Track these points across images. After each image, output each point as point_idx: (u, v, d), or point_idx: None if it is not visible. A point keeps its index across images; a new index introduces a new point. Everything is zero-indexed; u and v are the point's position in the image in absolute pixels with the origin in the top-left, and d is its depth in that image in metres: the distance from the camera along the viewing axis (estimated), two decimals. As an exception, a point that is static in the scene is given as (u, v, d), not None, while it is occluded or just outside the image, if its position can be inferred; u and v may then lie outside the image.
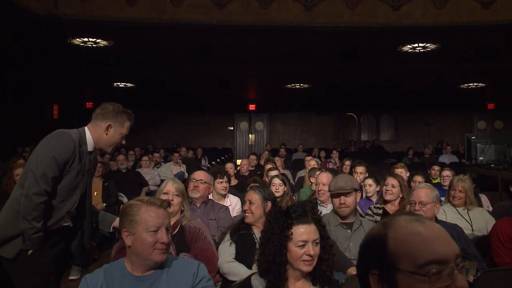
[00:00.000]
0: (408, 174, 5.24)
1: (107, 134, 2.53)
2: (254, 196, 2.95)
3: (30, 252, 2.32)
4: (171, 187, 2.89)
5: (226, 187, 4.20)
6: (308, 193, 4.81)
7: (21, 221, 2.28)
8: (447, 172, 5.22)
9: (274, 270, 1.84)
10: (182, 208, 2.86)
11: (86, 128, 2.54)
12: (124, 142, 2.60)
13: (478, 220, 3.67)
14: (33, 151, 2.46)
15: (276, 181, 4.21)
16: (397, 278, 0.94)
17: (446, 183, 4.96)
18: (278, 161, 7.87)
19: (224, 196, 4.22)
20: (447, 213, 3.72)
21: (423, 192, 3.00)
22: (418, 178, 4.64)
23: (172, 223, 2.70)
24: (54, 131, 2.47)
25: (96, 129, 2.53)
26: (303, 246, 1.84)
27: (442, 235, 0.97)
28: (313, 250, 1.85)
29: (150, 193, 6.80)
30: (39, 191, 2.28)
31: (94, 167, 2.70)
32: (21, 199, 2.31)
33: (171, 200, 2.79)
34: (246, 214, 2.91)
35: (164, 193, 2.88)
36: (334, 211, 3.01)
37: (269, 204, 2.94)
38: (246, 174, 6.85)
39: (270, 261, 1.85)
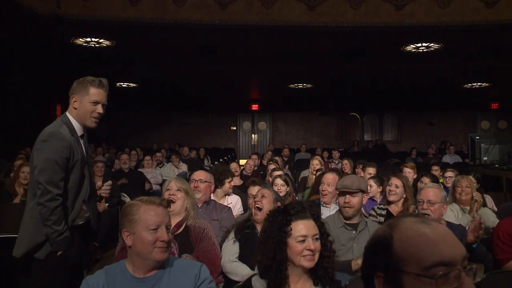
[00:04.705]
0: (415, 176, 5.20)
1: (76, 108, 2.52)
2: (267, 192, 2.98)
3: (59, 253, 2.39)
4: (173, 184, 2.91)
5: (233, 186, 4.34)
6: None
7: (44, 227, 2.34)
8: (449, 173, 5.18)
9: (274, 268, 1.83)
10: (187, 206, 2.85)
11: (67, 113, 2.55)
12: (101, 110, 2.53)
13: (483, 219, 3.65)
14: (32, 159, 2.46)
15: (279, 181, 4.20)
16: (403, 281, 0.93)
17: (449, 184, 4.93)
18: (278, 160, 7.83)
19: (226, 195, 4.26)
20: (452, 213, 3.70)
21: (432, 191, 2.97)
22: (426, 180, 4.62)
23: (176, 221, 2.71)
24: (42, 132, 2.46)
25: (70, 109, 2.54)
26: (303, 241, 1.84)
27: (448, 237, 0.96)
28: (314, 244, 1.84)
29: (153, 193, 6.79)
30: (51, 197, 2.32)
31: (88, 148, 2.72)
32: (36, 208, 2.36)
33: (173, 195, 2.80)
34: (256, 210, 2.89)
35: (167, 189, 2.90)
36: (339, 210, 2.99)
37: (279, 204, 2.93)
38: (250, 174, 6.82)
39: (271, 258, 1.84)
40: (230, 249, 2.76)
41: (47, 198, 2.31)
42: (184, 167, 8.99)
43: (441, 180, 5.57)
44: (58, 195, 2.35)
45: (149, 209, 1.82)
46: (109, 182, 2.80)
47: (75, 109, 2.52)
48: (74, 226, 2.47)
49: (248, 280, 1.95)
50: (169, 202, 1.99)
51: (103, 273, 1.82)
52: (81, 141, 2.55)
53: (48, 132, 2.44)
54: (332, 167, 8.90)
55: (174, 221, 2.73)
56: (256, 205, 2.91)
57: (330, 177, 3.84)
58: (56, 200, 2.33)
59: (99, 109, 2.52)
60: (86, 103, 2.49)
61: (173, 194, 2.81)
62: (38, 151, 2.41)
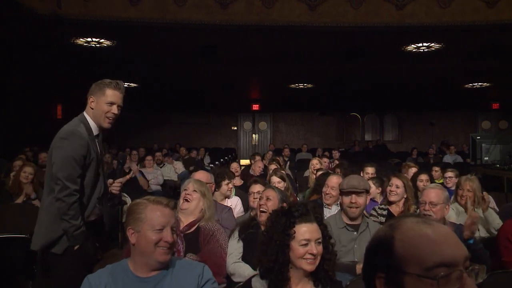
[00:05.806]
0: None
1: (93, 108, 2.62)
2: (272, 194, 2.94)
3: (76, 247, 2.51)
4: (191, 185, 2.95)
5: (231, 188, 4.32)
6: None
7: (61, 222, 2.47)
8: (449, 173, 5.18)
9: (276, 270, 1.83)
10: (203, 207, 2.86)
11: (84, 113, 2.66)
12: (116, 111, 2.63)
13: (486, 220, 3.65)
14: (49, 156, 2.58)
15: (275, 179, 4.20)
16: (404, 281, 0.92)
17: (450, 184, 4.93)
18: (279, 160, 7.81)
19: (227, 196, 4.26)
20: (453, 211, 3.70)
21: (434, 192, 2.94)
22: (424, 176, 4.61)
23: (189, 221, 2.75)
24: (61, 130, 2.58)
25: (88, 109, 2.65)
26: (305, 245, 1.83)
27: (450, 237, 0.95)
28: (316, 249, 1.84)
29: (152, 193, 6.76)
30: (69, 192, 2.45)
31: (105, 149, 2.82)
32: (54, 203, 2.49)
33: (189, 195, 2.86)
34: (261, 213, 2.87)
35: (185, 189, 2.95)
36: (343, 210, 2.97)
37: (285, 205, 2.91)
38: (258, 174, 6.77)
39: (273, 260, 1.84)
40: (234, 249, 2.76)
41: (65, 194, 2.44)
42: (179, 165, 9.05)
43: (441, 181, 5.57)
44: (76, 190, 2.47)
45: (156, 209, 1.81)
46: (121, 179, 2.92)
47: (92, 109, 2.63)
48: (86, 222, 2.58)
49: (248, 281, 1.94)
50: (176, 204, 2.00)
51: (105, 273, 1.81)
52: (96, 141, 2.66)
53: (67, 130, 2.57)
54: (333, 167, 8.89)
55: (187, 221, 2.78)
56: (261, 209, 2.88)
57: (334, 181, 3.79)
58: (74, 195, 2.46)
59: (114, 109, 2.62)
60: (102, 103, 2.60)
61: (189, 194, 2.87)
62: (57, 148, 2.52)
